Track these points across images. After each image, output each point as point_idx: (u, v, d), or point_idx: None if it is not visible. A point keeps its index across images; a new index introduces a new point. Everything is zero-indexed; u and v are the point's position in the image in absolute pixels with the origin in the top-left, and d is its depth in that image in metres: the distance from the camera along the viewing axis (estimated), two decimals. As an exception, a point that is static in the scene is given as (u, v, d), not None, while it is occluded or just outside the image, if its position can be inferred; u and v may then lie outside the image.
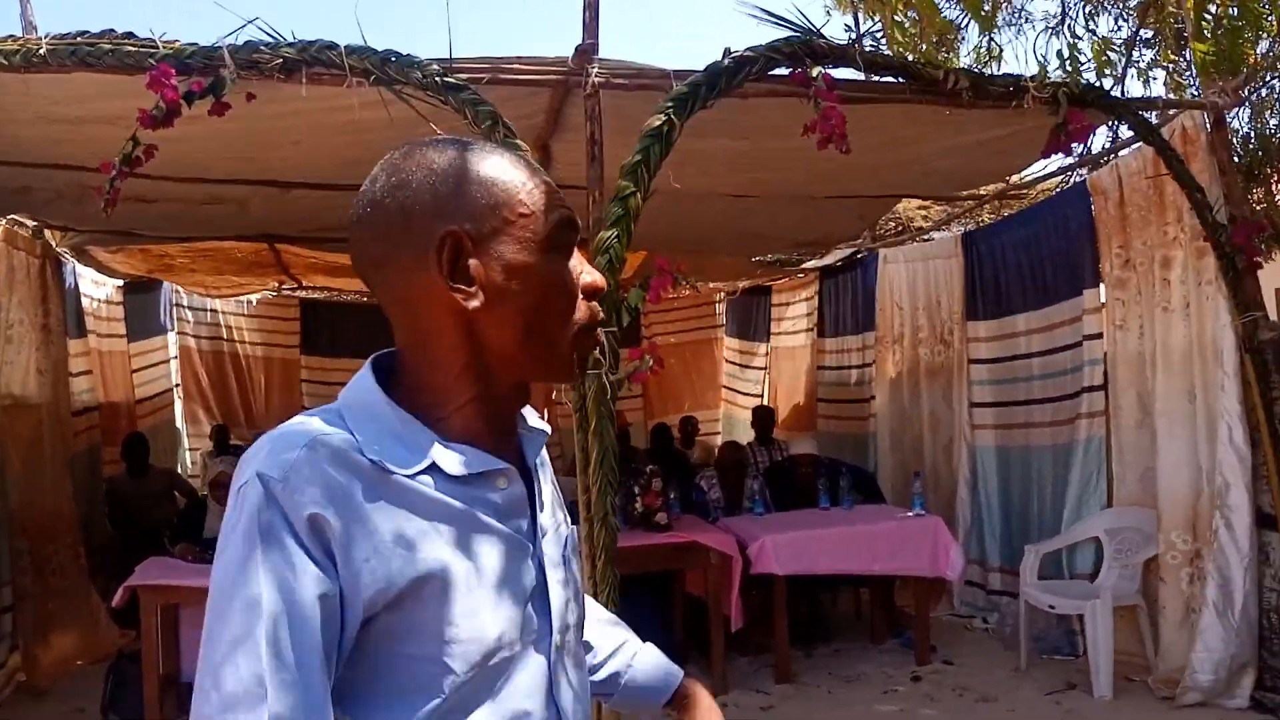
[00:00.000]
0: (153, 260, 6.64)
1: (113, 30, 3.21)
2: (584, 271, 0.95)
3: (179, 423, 8.63)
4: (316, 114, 3.67)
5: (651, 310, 9.42)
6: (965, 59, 5.68)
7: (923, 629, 5.11)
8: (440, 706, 0.85)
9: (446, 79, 3.27)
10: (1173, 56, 4.68)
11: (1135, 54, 6.21)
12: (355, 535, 0.82)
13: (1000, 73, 4.03)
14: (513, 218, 0.90)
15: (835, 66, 3.57)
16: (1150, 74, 5.90)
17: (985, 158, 4.65)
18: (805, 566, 4.83)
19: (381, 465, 0.85)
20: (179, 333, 8.68)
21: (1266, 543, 4.22)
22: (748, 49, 3.44)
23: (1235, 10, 3.69)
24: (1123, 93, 5.52)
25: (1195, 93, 4.70)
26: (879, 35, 4.51)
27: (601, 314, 0.96)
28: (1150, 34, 6.00)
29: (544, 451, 1.03)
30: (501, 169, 0.91)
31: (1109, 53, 3.99)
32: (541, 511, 0.98)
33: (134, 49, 3.16)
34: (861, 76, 3.65)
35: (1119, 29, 6.07)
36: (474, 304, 0.88)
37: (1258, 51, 5.36)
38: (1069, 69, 3.78)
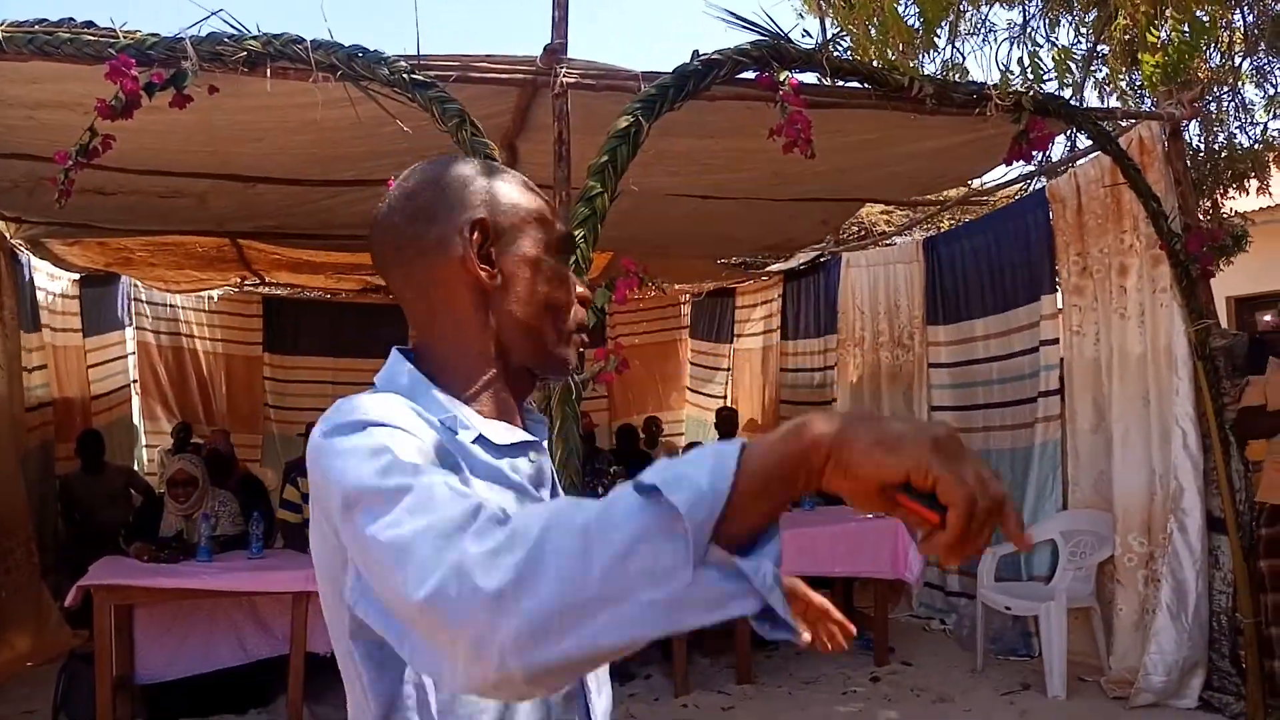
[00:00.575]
0: (111, 254, 6.51)
1: (72, 19, 3.16)
2: (576, 283, 1.06)
3: (136, 419, 8.48)
4: (282, 110, 3.64)
5: (617, 311, 9.42)
6: (930, 68, 5.76)
7: (882, 630, 5.16)
8: None
9: (414, 76, 3.26)
10: (1121, 69, 4.79)
11: (1094, 66, 6.34)
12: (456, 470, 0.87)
13: (965, 80, 4.09)
14: (529, 219, 1.03)
15: (802, 71, 3.60)
16: (1107, 86, 6.01)
17: (948, 163, 4.72)
18: (767, 567, 4.85)
19: (449, 426, 0.93)
20: (137, 328, 8.52)
21: (1216, 545, 4.31)
22: (716, 52, 3.46)
23: (1185, 27, 3.78)
24: (1081, 103, 5.62)
25: (1153, 104, 4.79)
26: (845, 42, 4.56)
27: (587, 322, 1.07)
28: (1106, 50, 6.12)
29: None
30: (520, 181, 1.05)
31: (1069, 62, 4.05)
32: (556, 487, 1.08)
33: (94, 38, 3.11)
34: (828, 81, 3.68)
35: (1078, 41, 6.18)
36: (495, 282, 0.99)
37: (1209, 66, 5.50)
38: (1029, 77, 3.84)
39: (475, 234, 0.98)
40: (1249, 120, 6.56)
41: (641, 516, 0.66)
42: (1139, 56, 4.20)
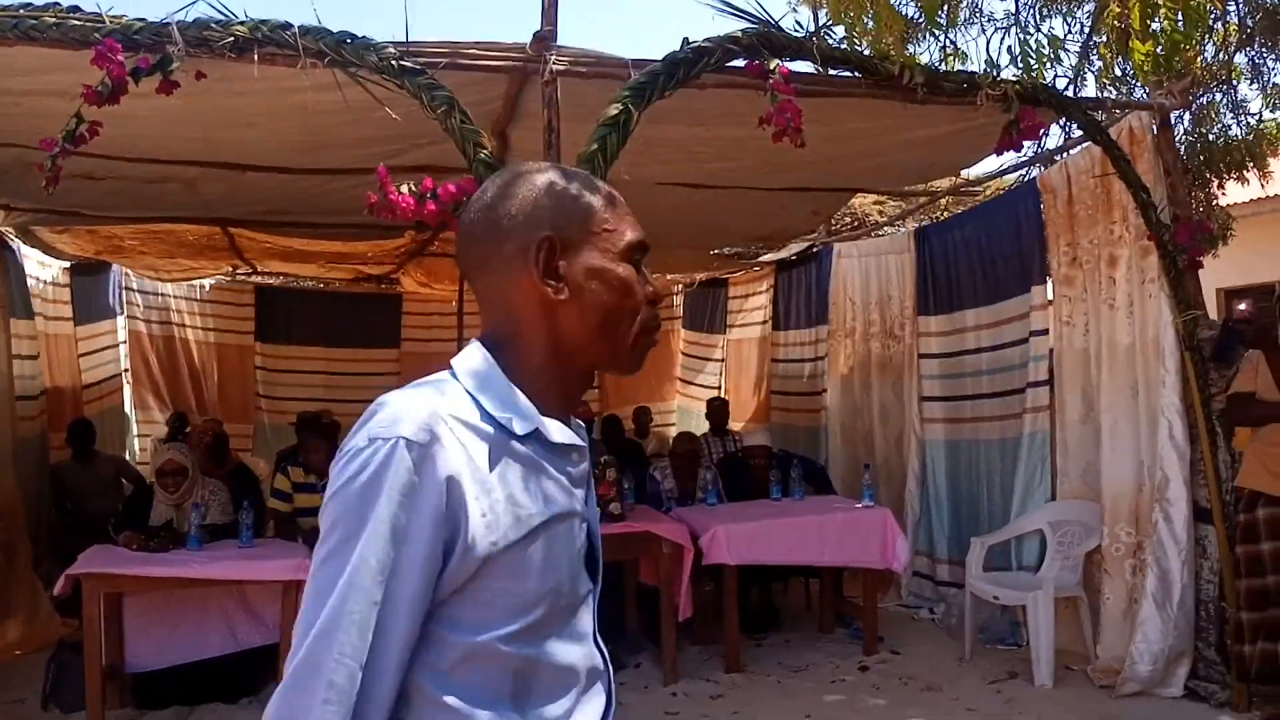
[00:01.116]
0: (101, 241, 6.48)
1: (57, 3, 3.14)
2: (648, 283, 1.11)
3: (128, 409, 8.46)
4: (270, 96, 3.62)
5: (610, 301, 9.40)
6: (925, 57, 5.76)
7: (870, 619, 5.18)
8: (519, 630, 1.00)
9: (403, 63, 3.25)
10: (1113, 59, 4.78)
11: (1089, 57, 6.34)
12: (479, 495, 0.97)
13: (956, 69, 4.09)
14: (597, 231, 1.08)
15: (793, 59, 3.60)
16: (1103, 77, 6.01)
17: (939, 153, 4.72)
18: (756, 557, 4.87)
19: (504, 427, 1.02)
20: (128, 317, 8.48)
21: (1203, 536, 4.33)
22: (706, 40, 3.46)
23: (1179, 16, 3.78)
24: (1076, 93, 5.63)
25: (1144, 95, 4.80)
26: (838, 31, 4.56)
27: (660, 320, 1.13)
28: (1101, 38, 6.11)
29: None
30: (592, 191, 1.10)
31: (1060, 52, 4.05)
32: (590, 488, 1.17)
33: (79, 23, 3.10)
34: (818, 70, 3.68)
35: (1071, 32, 6.18)
36: (561, 297, 1.06)
37: (1202, 59, 5.50)
38: (1020, 66, 3.84)
39: (543, 252, 1.05)
40: (1244, 113, 6.57)
41: None
42: (1130, 45, 4.20)
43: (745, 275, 8.78)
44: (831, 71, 3.71)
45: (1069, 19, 6.04)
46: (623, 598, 5.30)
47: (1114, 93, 5.65)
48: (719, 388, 9.11)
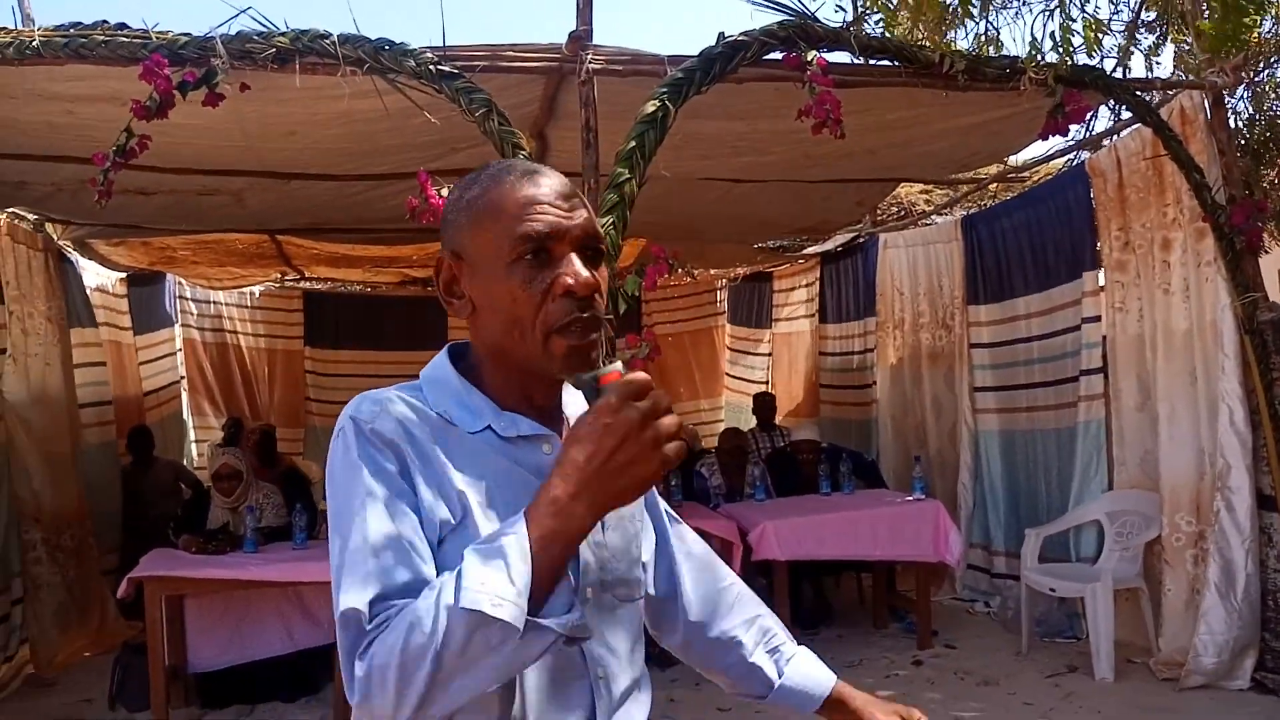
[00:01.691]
0: (154, 253, 6.64)
1: (106, 21, 3.22)
2: (563, 273, 1.04)
3: (185, 415, 8.66)
4: (312, 104, 3.67)
5: (652, 299, 9.41)
6: (963, 43, 5.65)
7: (924, 613, 5.11)
8: None
9: (440, 67, 3.27)
10: (1180, 37, 4.64)
11: (1138, 35, 6.17)
12: (423, 469, 1.01)
13: (997, 54, 4.01)
14: (483, 242, 1.06)
15: (830, 50, 3.56)
16: (1155, 56, 5.85)
17: (982, 140, 4.64)
18: (806, 552, 4.84)
19: (447, 419, 1.06)
20: (183, 325, 8.68)
21: (1268, 524, 4.21)
22: (742, 33, 3.43)
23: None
24: (1125, 74, 5.49)
25: (1183, 74, 4.67)
26: (875, 19, 4.50)
27: (578, 312, 1.04)
28: (1153, 15, 5.95)
29: None
30: (487, 195, 1.07)
31: (1102, 34, 3.96)
32: None
33: (127, 40, 3.17)
34: (856, 60, 3.64)
35: (1120, 10, 6.03)
36: (465, 315, 1.10)
37: (1260, 33, 5.32)
38: (1062, 50, 3.75)
39: (442, 275, 1.10)
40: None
41: (468, 628, 0.88)
42: (1196, 24, 4.07)
43: (790, 268, 8.72)
44: (870, 61, 3.67)
45: (1123, 1, 5.89)
46: (672, 595, 5.29)
47: (1166, 72, 5.49)
48: (766, 382, 9.06)
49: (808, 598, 5.65)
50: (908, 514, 5.06)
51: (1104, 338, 5.05)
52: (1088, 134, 5.41)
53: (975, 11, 4.41)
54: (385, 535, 0.96)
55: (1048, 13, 5.66)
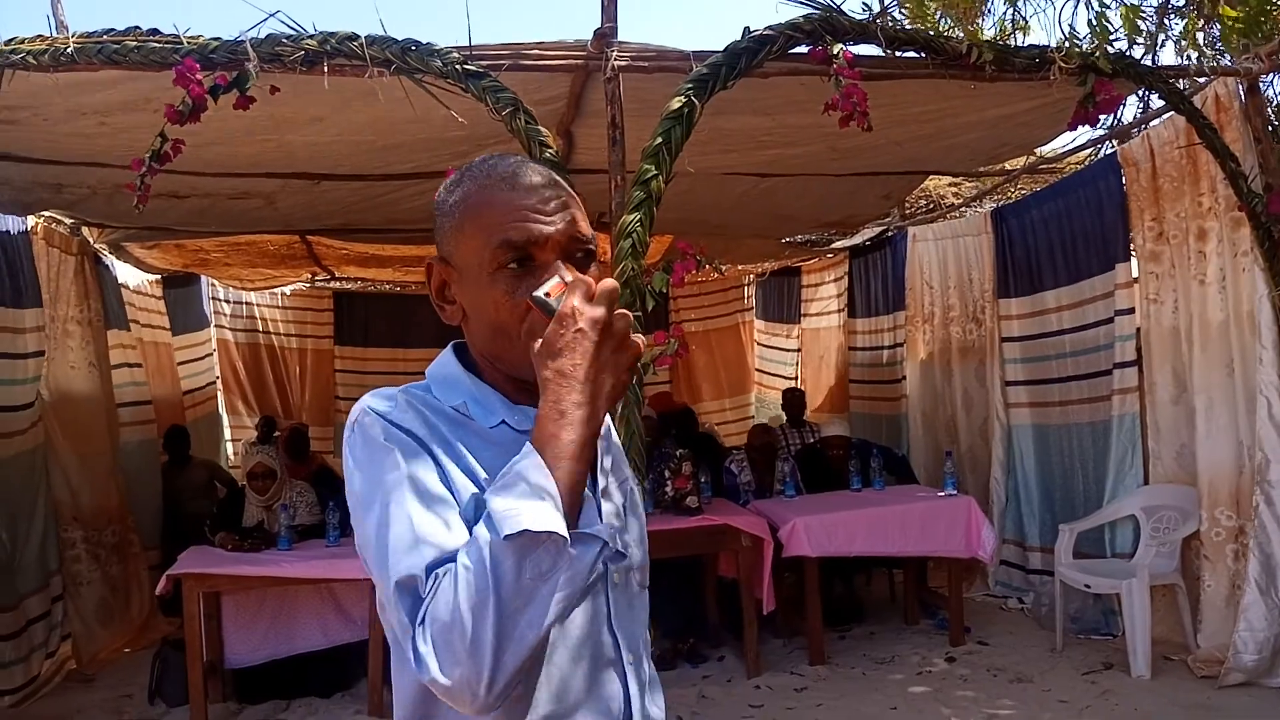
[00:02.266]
0: (188, 255, 6.74)
1: (138, 27, 3.26)
2: (547, 280, 1.01)
3: (221, 414, 8.78)
4: (340, 105, 3.71)
5: (680, 295, 9.41)
6: (990, 30, 5.58)
7: (956, 610, 5.08)
8: None
9: (467, 67, 3.28)
10: (1202, 25, 4.58)
11: (1168, 22, 6.08)
12: (448, 456, 1.01)
13: (1026, 44, 3.97)
14: (468, 249, 1.06)
15: (856, 43, 3.53)
16: (1183, 43, 5.76)
17: (1011, 130, 4.58)
18: (837, 548, 4.82)
19: (463, 413, 1.06)
20: (216, 326, 8.82)
21: (1311, 518, 4.14)
22: (767, 27, 3.41)
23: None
24: (1154, 61, 5.41)
25: (1229, 60, 4.59)
26: (903, 10, 4.46)
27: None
28: (1183, 2, 5.86)
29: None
30: (470, 207, 1.06)
31: (1139, 20, 3.90)
32: (600, 468, 1.12)
33: (159, 45, 3.20)
34: (883, 52, 3.61)
35: (1148, -2, 5.94)
36: (455, 321, 1.11)
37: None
38: (1096, 38, 3.70)
39: (432, 280, 1.11)
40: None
41: (517, 556, 0.87)
42: (1219, 10, 4.01)
43: (818, 263, 8.68)
44: (897, 53, 3.63)
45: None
46: (703, 591, 5.30)
47: (1197, 59, 5.40)
48: (795, 378, 9.03)
49: (839, 594, 5.62)
50: (939, 510, 5.03)
51: (1138, 330, 4.98)
52: (1117, 123, 5.32)
53: (995, 8, 4.37)
54: (428, 507, 0.95)
55: (1076, 1, 5.59)
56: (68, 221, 5.66)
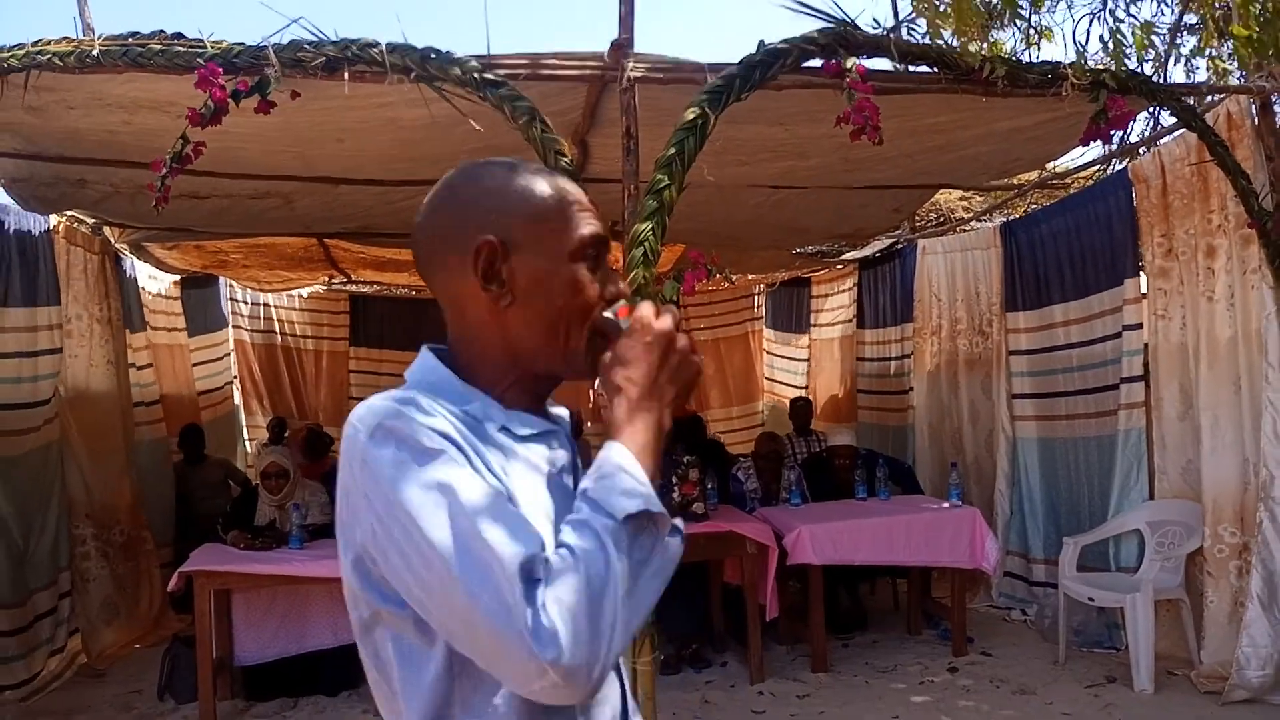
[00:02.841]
0: (207, 256, 6.81)
1: (163, 31, 3.32)
2: (609, 282, 1.08)
3: (238, 415, 8.86)
4: (360, 112, 3.76)
5: (691, 303, 9.46)
6: (1010, 42, 5.59)
7: (960, 620, 5.10)
8: None
9: (485, 75, 3.33)
10: (1214, 42, 4.59)
11: (1179, 39, 6.11)
12: (476, 454, 0.96)
13: (1039, 60, 3.99)
14: (543, 232, 1.05)
15: (870, 57, 3.57)
16: (1192, 61, 5.79)
17: (1022, 145, 4.61)
18: (841, 557, 4.85)
19: (474, 416, 1.01)
20: (234, 326, 8.90)
21: (1314, 536, 4.15)
22: (782, 41, 3.45)
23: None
24: (1165, 79, 5.44)
25: (1241, 78, 4.61)
26: (919, 25, 4.48)
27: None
28: (1195, 19, 5.89)
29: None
30: (539, 188, 1.06)
31: (1152, 37, 3.93)
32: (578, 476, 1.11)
33: (183, 49, 3.26)
34: (896, 67, 3.64)
35: (1161, 14, 5.97)
36: (504, 303, 1.04)
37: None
38: (1110, 54, 3.73)
39: (482, 257, 1.03)
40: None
41: (630, 540, 0.91)
42: (1229, 29, 4.03)
43: (828, 274, 8.71)
44: (910, 68, 3.67)
45: (1164, 4, 5.83)
46: (708, 597, 5.33)
47: (1209, 77, 5.42)
48: (804, 387, 9.06)
49: (842, 603, 5.65)
50: (944, 520, 5.05)
51: (1145, 345, 5.00)
52: (1125, 140, 5.35)
53: (1021, 17, 4.38)
54: (501, 500, 0.92)
55: (1093, 16, 5.62)
56: (90, 221, 5.74)
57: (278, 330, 9.23)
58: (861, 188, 5.42)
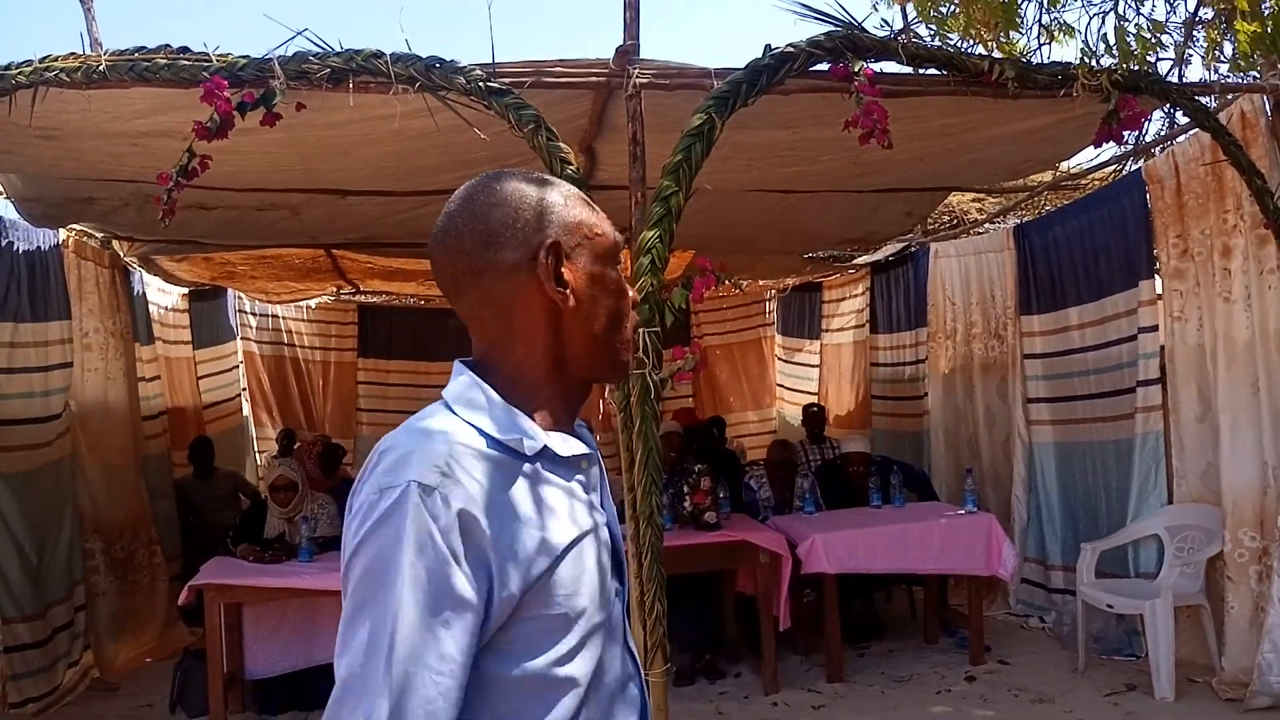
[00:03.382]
0: (216, 268, 6.82)
1: (168, 45, 3.32)
2: (635, 293, 1.12)
3: (248, 427, 8.87)
4: (365, 123, 3.75)
5: (701, 310, 9.43)
6: (1024, 42, 5.54)
7: (977, 628, 5.04)
8: (563, 653, 0.98)
9: (489, 84, 3.31)
10: (1218, 39, 4.54)
11: (1194, 35, 6.04)
12: (502, 528, 0.94)
13: (1049, 60, 3.95)
14: (591, 235, 1.07)
15: (878, 60, 3.53)
16: (1210, 57, 5.72)
17: (1033, 147, 4.57)
18: (856, 565, 4.80)
19: (512, 450, 0.98)
20: (242, 338, 8.91)
21: (1337, 539, 4.08)
22: (789, 45, 3.42)
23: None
24: (1181, 77, 5.38)
25: (1257, 75, 4.55)
26: (928, 27, 4.45)
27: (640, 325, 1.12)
28: (1210, 15, 5.83)
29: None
30: (576, 195, 1.10)
31: (1161, 36, 3.88)
32: (605, 489, 1.15)
33: (188, 63, 3.25)
34: (905, 69, 3.61)
35: (1174, 10, 5.91)
36: (570, 304, 1.04)
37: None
38: (1118, 54, 3.69)
39: (551, 257, 1.03)
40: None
41: None
42: (1235, 25, 3.98)
43: (840, 278, 8.66)
44: (919, 70, 3.64)
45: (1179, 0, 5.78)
46: (721, 607, 5.29)
47: (1221, 75, 5.36)
48: (816, 393, 9.00)
49: (858, 612, 5.59)
50: (960, 527, 5.00)
51: (1162, 347, 4.94)
52: (1142, 139, 5.29)
53: (1017, 27, 4.34)
54: (425, 649, 0.89)
55: (1101, 16, 5.57)
56: (99, 235, 5.76)
57: (286, 341, 9.24)
58: (872, 191, 5.39)
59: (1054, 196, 7.42)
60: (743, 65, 3.37)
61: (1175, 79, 4.99)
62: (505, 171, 1.09)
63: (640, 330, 3.04)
